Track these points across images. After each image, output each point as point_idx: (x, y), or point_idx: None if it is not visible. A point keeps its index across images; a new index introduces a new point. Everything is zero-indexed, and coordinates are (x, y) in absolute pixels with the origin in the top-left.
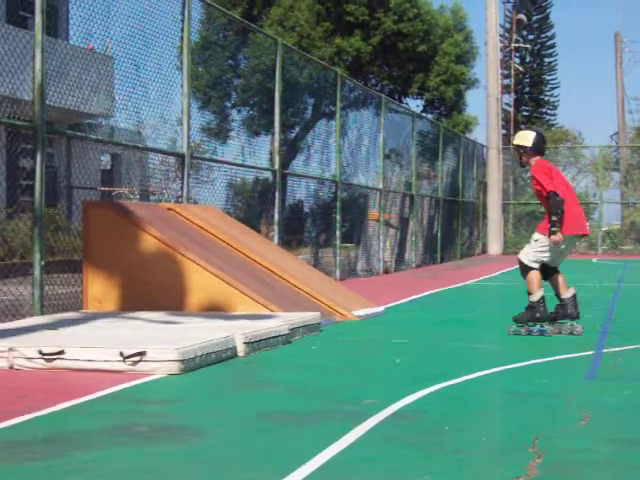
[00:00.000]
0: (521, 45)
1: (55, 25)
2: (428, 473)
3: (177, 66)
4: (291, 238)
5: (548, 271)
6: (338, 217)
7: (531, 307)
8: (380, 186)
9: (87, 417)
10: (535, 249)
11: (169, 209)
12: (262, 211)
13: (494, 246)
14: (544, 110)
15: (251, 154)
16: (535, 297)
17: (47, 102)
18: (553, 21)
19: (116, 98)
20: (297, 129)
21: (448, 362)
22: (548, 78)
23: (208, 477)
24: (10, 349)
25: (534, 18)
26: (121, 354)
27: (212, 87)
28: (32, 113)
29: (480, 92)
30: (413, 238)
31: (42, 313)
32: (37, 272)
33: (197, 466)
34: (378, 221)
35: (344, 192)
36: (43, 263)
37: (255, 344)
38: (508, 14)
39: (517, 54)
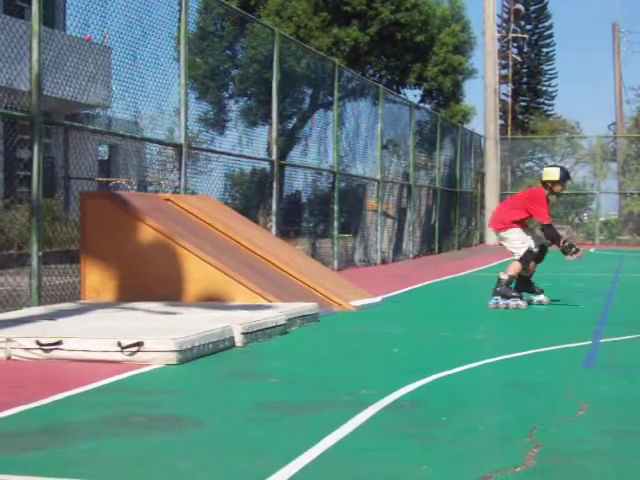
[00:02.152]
0: (519, 35)
1: (52, 15)
2: (425, 463)
3: (174, 56)
4: (289, 228)
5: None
6: (336, 207)
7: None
8: (378, 176)
9: (84, 407)
10: None
11: (167, 200)
12: (260, 202)
13: (492, 236)
14: (542, 100)
15: (249, 144)
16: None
17: (44, 92)
18: (551, 11)
19: (113, 88)
20: (295, 119)
21: (445, 352)
22: (546, 68)
23: (205, 467)
24: (7, 340)
25: (532, 8)
26: (119, 344)
27: (209, 77)
28: (29, 104)
29: (478, 82)
30: (410, 228)
31: (40, 304)
32: (35, 263)
33: (194, 456)
34: (376, 211)
35: (342, 182)
36: (41, 254)
37: (253, 334)
38: (506, 4)
39: (515, 44)
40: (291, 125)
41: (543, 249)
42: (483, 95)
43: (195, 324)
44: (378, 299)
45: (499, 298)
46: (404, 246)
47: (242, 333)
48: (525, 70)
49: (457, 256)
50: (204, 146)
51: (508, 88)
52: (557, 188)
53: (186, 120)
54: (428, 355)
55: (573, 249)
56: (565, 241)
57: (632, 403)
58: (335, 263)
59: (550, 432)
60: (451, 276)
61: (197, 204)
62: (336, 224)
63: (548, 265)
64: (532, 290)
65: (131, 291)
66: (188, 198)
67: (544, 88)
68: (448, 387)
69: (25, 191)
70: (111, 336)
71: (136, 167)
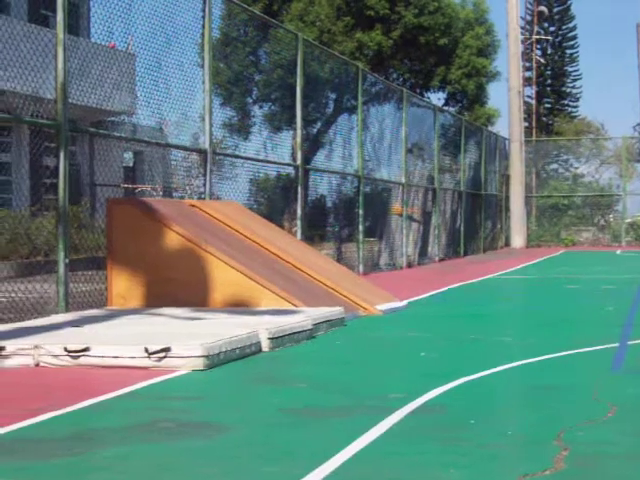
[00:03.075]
0: (542, 37)
1: (77, 23)
2: (453, 467)
3: (198, 63)
4: (314, 233)
5: None
6: (361, 212)
7: None
8: (402, 180)
9: (111, 414)
10: None
11: (192, 205)
12: (285, 206)
13: (517, 239)
14: (566, 102)
15: (273, 149)
16: None
17: (70, 100)
18: (574, 12)
19: (138, 95)
20: (319, 124)
21: (472, 356)
22: (570, 70)
23: (232, 472)
24: (36, 346)
25: (555, 10)
26: (146, 350)
27: (233, 83)
28: (55, 111)
29: (502, 85)
30: (436, 232)
31: (67, 310)
32: (61, 270)
33: (222, 462)
34: (401, 215)
35: (366, 187)
36: (67, 261)
37: (279, 339)
38: (529, 6)
39: (538, 46)
40: (315, 130)
41: None
42: (507, 97)
43: (222, 329)
44: (404, 303)
45: None
46: (429, 249)
47: (269, 338)
48: (549, 72)
49: (483, 259)
50: (229, 152)
51: (532, 90)
52: None
53: (211, 126)
54: (455, 359)
55: None
56: None
57: None
58: (360, 267)
59: (579, 435)
60: (477, 279)
61: (222, 209)
62: (361, 228)
63: (576, 267)
64: None
65: (157, 297)
66: (213, 204)
67: (568, 90)
68: (475, 390)
69: (51, 198)
70: (138, 342)
71: (161, 173)
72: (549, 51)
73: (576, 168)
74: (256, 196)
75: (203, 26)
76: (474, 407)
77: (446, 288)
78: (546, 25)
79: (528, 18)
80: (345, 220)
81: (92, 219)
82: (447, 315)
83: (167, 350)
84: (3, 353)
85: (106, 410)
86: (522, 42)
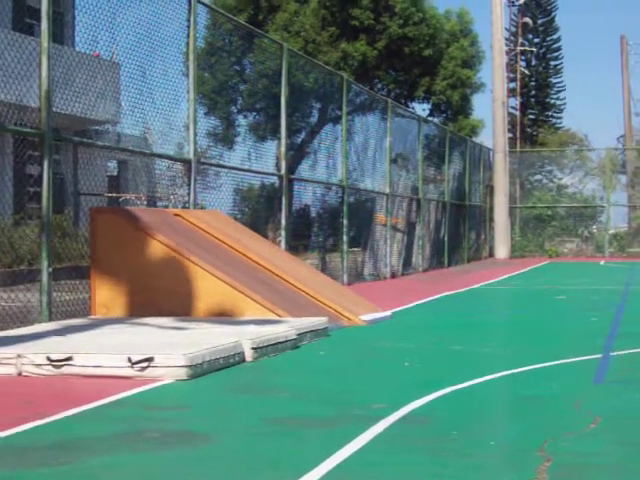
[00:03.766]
0: (527, 48)
1: (61, 32)
2: (437, 477)
3: (183, 72)
4: (298, 243)
5: None
6: (345, 222)
7: None
8: (387, 190)
9: (95, 423)
10: None
11: (176, 215)
12: (269, 216)
13: (501, 250)
14: (550, 113)
15: (257, 159)
16: None
17: (54, 109)
18: (558, 24)
19: (122, 104)
20: (303, 134)
21: (456, 366)
22: (554, 81)
23: None
24: (18, 356)
25: (539, 21)
26: (129, 360)
27: (218, 92)
28: (39, 120)
29: (486, 96)
30: (420, 242)
31: (50, 319)
32: (45, 279)
33: (206, 471)
34: (385, 225)
35: (351, 197)
36: (51, 270)
37: (263, 349)
38: (514, 18)
39: (523, 57)
40: (300, 139)
41: None
42: (491, 108)
43: (205, 339)
44: (388, 313)
45: None
46: (414, 260)
47: (252, 348)
48: (533, 83)
49: (467, 269)
50: (213, 161)
51: (516, 101)
52: None
53: (195, 135)
54: (439, 369)
55: None
56: None
57: None
58: (345, 277)
59: (562, 446)
60: (461, 290)
61: (206, 219)
62: (345, 238)
63: (560, 278)
64: None
65: (141, 306)
66: (197, 213)
67: (552, 101)
68: (459, 401)
69: (35, 207)
70: (121, 352)
71: (145, 182)
72: (533, 62)
73: (560, 179)
74: (240, 205)
75: (188, 35)
76: (458, 417)
77: (430, 298)
78: (530, 36)
79: (513, 29)
80: (329, 230)
81: (76, 228)
82: (431, 325)
83: (150, 360)
84: None
85: (91, 419)
86: (506, 53)
